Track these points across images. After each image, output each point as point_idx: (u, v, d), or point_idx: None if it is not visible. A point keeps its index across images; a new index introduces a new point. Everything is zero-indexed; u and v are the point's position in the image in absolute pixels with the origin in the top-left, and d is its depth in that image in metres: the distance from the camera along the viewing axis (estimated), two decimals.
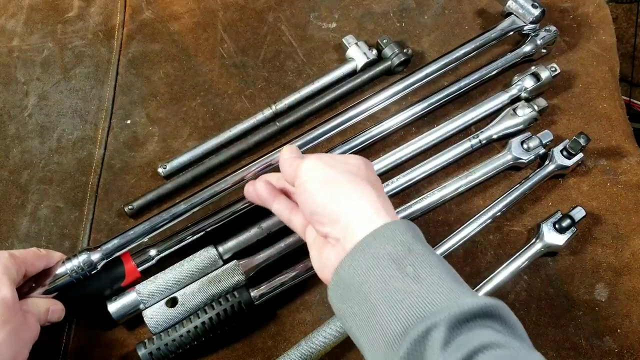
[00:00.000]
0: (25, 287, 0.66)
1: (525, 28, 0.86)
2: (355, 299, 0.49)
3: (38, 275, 0.67)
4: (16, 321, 0.58)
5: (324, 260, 0.55)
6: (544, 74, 0.82)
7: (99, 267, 0.70)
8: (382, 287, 0.48)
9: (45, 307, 0.65)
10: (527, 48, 0.85)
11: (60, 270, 0.68)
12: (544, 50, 0.86)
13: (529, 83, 0.82)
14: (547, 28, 0.85)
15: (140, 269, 0.72)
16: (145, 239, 0.74)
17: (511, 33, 0.86)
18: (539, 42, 0.84)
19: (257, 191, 0.65)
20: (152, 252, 0.73)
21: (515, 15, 0.86)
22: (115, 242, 0.72)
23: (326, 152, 0.80)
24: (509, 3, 0.87)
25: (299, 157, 0.60)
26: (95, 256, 0.70)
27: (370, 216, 0.52)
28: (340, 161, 0.58)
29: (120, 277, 0.71)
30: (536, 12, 0.85)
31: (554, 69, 0.82)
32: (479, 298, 0.45)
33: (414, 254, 0.49)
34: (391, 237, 0.50)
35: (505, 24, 0.86)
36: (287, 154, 0.61)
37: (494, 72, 0.85)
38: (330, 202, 0.54)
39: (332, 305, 0.54)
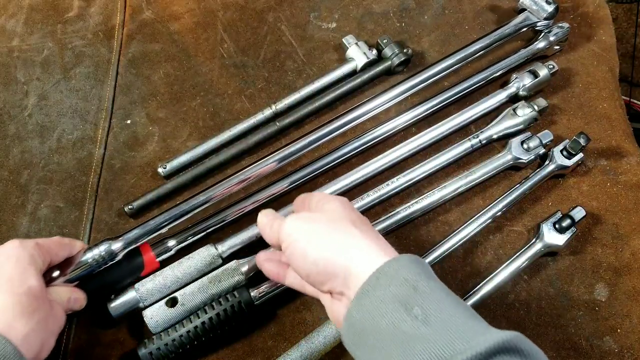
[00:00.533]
0: (48, 276, 0.66)
1: (539, 24, 0.86)
2: (368, 345, 0.48)
3: (61, 264, 0.67)
4: (44, 310, 0.58)
5: (336, 316, 0.54)
6: (542, 71, 0.82)
7: (119, 256, 0.71)
8: (392, 332, 0.46)
9: (68, 295, 0.65)
10: (540, 44, 0.85)
11: (81, 259, 0.69)
12: (557, 47, 0.86)
13: (527, 80, 0.82)
14: (560, 25, 0.85)
15: (159, 259, 0.73)
16: (165, 230, 0.75)
17: (524, 29, 0.86)
18: (552, 38, 0.85)
19: (266, 273, 0.64)
20: (171, 242, 0.74)
21: (528, 11, 0.87)
22: (136, 231, 0.73)
23: (327, 153, 0.80)
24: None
25: (277, 219, 0.59)
26: (116, 245, 0.71)
27: (367, 258, 0.50)
28: (318, 211, 0.57)
29: (139, 267, 0.72)
30: (550, 8, 0.85)
31: (551, 66, 0.82)
32: (495, 334, 0.43)
33: (419, 292, 0.47)
34: (394, 276, 0.48)
35: (518, 19, 0.86)
36: (263, 219, 0.60)
37: (505, 70, 0.85)
38: (322, 258, 0.52)
39: (349, 351, 0.52)
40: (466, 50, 0.85)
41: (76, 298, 0.66)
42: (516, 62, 0.85)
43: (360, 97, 0.87)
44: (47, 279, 0.66)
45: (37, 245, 0.62)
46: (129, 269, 0.72)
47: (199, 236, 0.76)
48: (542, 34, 0.86)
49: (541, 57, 0.87)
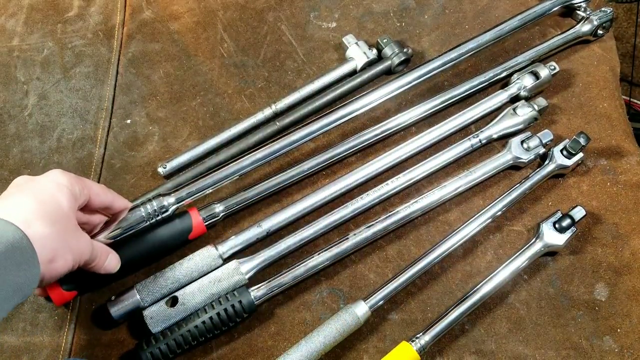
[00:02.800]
0: (90, 225, 0.69)
1: (575, 1, 0.87)
2: None
3: (106, 222, 0.71)
4: (66, 226, 0.59)
5: None
6: (543, 72, 0.82)
7: (169, 211, 0.73)
8: None
9: (105, 251, 0.66)
10: (585, 28, 0.86)
11: (134, 214, 0.71)
12: (601, 32, 0.86)
13: (528, 81, 0.82)
14: (603, 9, 0.86)
15: (206, 223, 0.74)
16: (209, 190, 0.76)
17: (559, 7, 0.87)
18: (595, 22, 0.85)
19: None
20: (219, 207, 0.75)
21: None
22: (186, 189, 0.75)
23: (326, 150, 0.80)
24: None
25: None
26: (169, 200, 0.73)
27: None
28: None
29: (187, 230, 0.73)
30: None
31: (553, 67, 0.82)
32: None
33: None
34: None
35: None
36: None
37: (547, 55, 0.85)
38: None
39: None
40: (500, 29, 0.85)
41: (112, 258, 0.67)
42: (558, 46, 0.86)
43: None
44: (89, 229, 0.69)
45: (80, 178, 0.64)
46: (178, 230, 0.73)
47: (244, 204, 0.77)
48: (586, 18, 0.86)
49: (584, 41, 0.87)
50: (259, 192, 0.77)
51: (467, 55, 0.84)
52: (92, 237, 0.69)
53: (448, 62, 0.83)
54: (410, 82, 0.82)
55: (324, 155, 0.80)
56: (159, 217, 0.73)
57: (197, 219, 0.74)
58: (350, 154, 0.81)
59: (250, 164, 0.78)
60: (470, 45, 0.84)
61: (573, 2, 0.88)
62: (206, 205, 0.76)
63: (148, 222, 0.72)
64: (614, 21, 0.89)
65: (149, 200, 0.73)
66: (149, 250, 0.72)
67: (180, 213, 0.75)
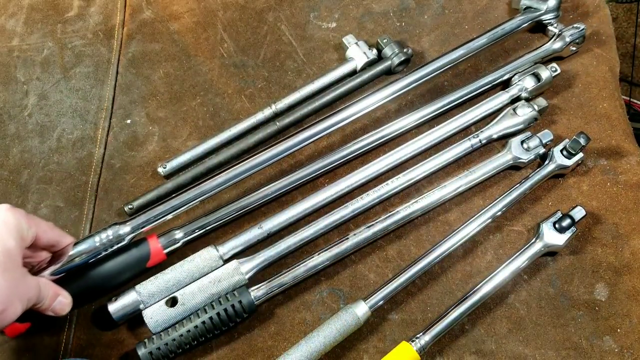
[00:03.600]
0: (36, 262, 0.67)
1: (545, 17, 0.86)
2: None
3: (52, 256, 0.68)
4: (16, 272, 0.58)
5: None
6: (545, 74, 0.82)
7: (126, 240, 0.71)
8: None
9: (54, 291, 0.64)
10: (556, 45, 0.85)
11: (88, 243, 0.69)
12: (573, 49, 0.86)
13: (529, 83, 0.82)
14: (576, 25, 0.85)
15: (166, 251, 0.73)
16: (171, 216, 0.74)
17: (528, 24, 0.86)
18: (568, 39, 0.84)
19: None
20: (179, 234, 0.73)
21: (531, 8, 0.87)
22: (144, 217, 0.73)
23: (328, 154, 0.80)
24: (522, 0, 0.88)
25: None
26: (124, 229, 0.71)
27: None
28: None
29: (145, 258, 0.71)
30: (552, 2, 0.86)
31: (554, 69, 0.82)
32: None
33: None
34: None
35: (522, 15, 0.87)
36: None
37: (519, 71, 0.84)
38: None
39: None
40: (467, 46, 0.84)
41: (62, 301, 0.65)
42: (529, 63, 0.85)
43: (361, 97, 0.86)
44: (36, 268, 0.67)
45: (27, 214, 0.62)
46: (135, 258, 0.71)
47: (206, 229, 0.75)
48: (558, 34, 0.86)
49: (557, 58, 0.87)
50: (260, 197, 0.77)
51: (460, 60, 0.84)
52: (38, 272, 0.67)
53: (444, 65, 0.83)
54: (409, 85, 0.82)
55: (324, 160, 0.79)
56: (114, 247, 0.71)
57: (155, 246, 0.72)
58: (351, 159, 0.81)
59: (243, 172, 0.76)
60: (441, 62, 0.83)
61: (542, 18, 0.87)
62: (166, 232, 0.73)
63: (103, 253, 0.70)
64: (615, 21, 0.88)
65: (104, 229, 0.71)
66: (105, 281, 0.70)
67: (137, 241, 0.72)
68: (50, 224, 0.66)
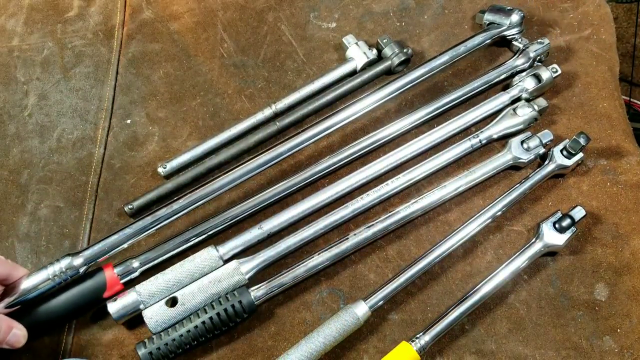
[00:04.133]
0: None
1: (508, 32, 0.86)
2: None
3: (4, 289, 0.67)
4: None
5: None
6: (545, 75, 0.82)
7: (80, 272, 0.70)
8: None
9: (7, 324, 0.64)
10: (519, 61, 0.84)
11: (41, 275, 0.68)
12: (539, 64, 0.85)
13: (529, 84, 0.82)
14: (540, 40, 0.84)
15: (123, 280, 0.71)
16: (126, 245, 0.73)
17: (493, 39, 0.86)
18: (531, 54, 0.84)
19: None
20: (135, 263, 0.72)
21: (494, 23, 0.86)
22: (97, 247, 0.72)
23: (329, 156, 0.80)
24: (485, 16, 0.87)
25: None
26: (77, 261, 0.70)
27: None
28: None
29: (101, 288, 0.70)
30: (515, 17, 0.85)
31: (555, 69, 0.82)
32: None
33: None
34: None
35: (484, 31, 0.86)
36: None
37: (484, 88, 0.84)
38: None
39: None
40: (429, 65, 0.83)
41: (16, 333, 0.64)
42: (494, 79, 0.84)
43: (360, 97, 0.86)
44: None
45: None
46: (90, 289, 0.70)
47: (165, 257, 0.74)
48: (522, 50, 0.85)
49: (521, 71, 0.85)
50: (260, 201, 0.77)
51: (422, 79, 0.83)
52: None
53: (442, 64, 0.83)
54: (408, 84, 0.82)
55: (324, 162, 0.79)
56: (68, 279, 0.70)
57: (112, 276, 0.71)
58: (351, 161, 0.81)
59: (242, 175, 0.76)
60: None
61: (505, 34, 0.86)
62: (122, 262, 0.72)
63: (56, 285, 0.69)
64: (615, 21, 0.88)
65: (57, 260, 0.70)
66: (61, 312, 0.69)
67: (93, 271, 0.71)
68: (2, 258, 0.66)
